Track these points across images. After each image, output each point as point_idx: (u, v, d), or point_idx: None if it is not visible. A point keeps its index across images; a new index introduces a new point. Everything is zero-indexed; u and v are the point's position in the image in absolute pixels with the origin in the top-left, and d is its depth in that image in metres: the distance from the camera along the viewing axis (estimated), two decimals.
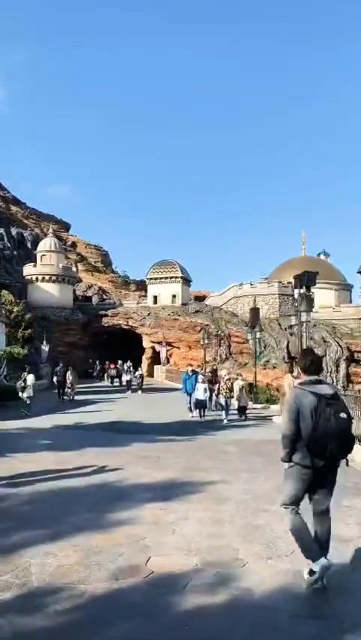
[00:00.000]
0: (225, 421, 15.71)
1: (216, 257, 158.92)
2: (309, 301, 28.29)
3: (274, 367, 39.10)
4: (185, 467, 8.72)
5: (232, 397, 16.24)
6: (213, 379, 19.42)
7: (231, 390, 16.29)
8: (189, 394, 17.27)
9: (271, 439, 11.51)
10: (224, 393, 16.19)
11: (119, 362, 42.14)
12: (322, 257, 65.26)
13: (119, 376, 39.20)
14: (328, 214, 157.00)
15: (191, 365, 19.42)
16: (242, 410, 16.52)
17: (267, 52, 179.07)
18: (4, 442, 11.52)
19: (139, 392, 28.30)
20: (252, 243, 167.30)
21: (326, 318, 46.66)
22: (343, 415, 3.77)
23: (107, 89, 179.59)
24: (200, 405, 16.29)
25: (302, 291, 28.39)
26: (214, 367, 23.14)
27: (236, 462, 9.22)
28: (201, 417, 16.18)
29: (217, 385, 17.44)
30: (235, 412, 17.05)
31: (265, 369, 39.63)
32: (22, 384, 19.11)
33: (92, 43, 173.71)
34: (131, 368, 32.99)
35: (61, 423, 15.55)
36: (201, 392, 16.05)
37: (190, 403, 17.41)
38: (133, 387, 29.28)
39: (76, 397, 24.87)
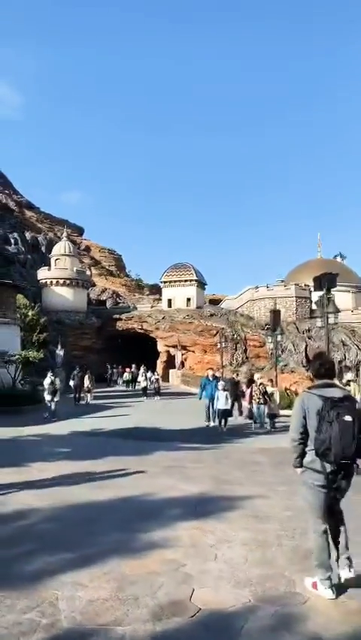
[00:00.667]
0: (255, 429, 14.70)
1: (231, 260, 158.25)
2: (331, 303, 27.59)
3: (293, 371, 38.28)
4: (215, 479, 8.11)
5: (266, 404, 15.05)
6: (237, 384, 18.58)
7: (265, 396, 15.13)
8: (209, 401, 15.97)
9: None
10: (257, 400, 14.93)
11: (133, 366, 41.83)
12: (338, 259, 64.35)
13: (133, 380, 38.90)
14: (343, 216, 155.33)
15: (211, 369, 18.47)
16: (272, 418, 15.11)
17: (283, 53, 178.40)
18: (22, 451, 11.03)
19: (156, 397, 27.08)
20: (266, 246, 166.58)
21: (344, 320, 45.72)
22: (347, 417, 3.64)
23: (117, 94, 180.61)
24: (222, 414, 14.67)
25: (322, 293, 27.60)
26: (252, 372, 21.85)
27: (269, 473, 8.58)
28: (222, 427, 14.62)
29: (249, 390, 16.08)
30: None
31: (283, 373, 38.81)
32: (54, 385, 18.65)
33: (101, 47, 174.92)
34: (147, 373, 32.12)
35: (78, 429, 15.05)
36: (223, 400, 14.53)
37: (209, 411, 16.09)
38: (149, 392, 28.21)
39: (92, 402, 24.41)
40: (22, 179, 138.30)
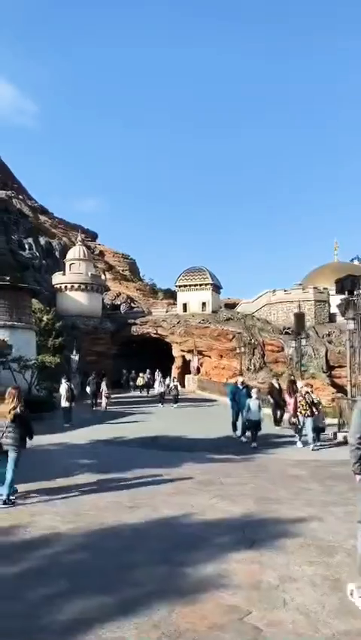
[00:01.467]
0: (298, 444, 12.79)
1: (245, 264, 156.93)
2: (354, 307, 26.58)
3: (313, 377, 37.18)
4: (258, 497, 7.28)
5: (313, 416, 12.91)
6: (274, 391, 17.34)
7: (313, 406, 13.02)
8: (238, 411, 14.37)
9: (343, 459, 9.97)
10: (302, 411, 12.76)
11: (147, 371, 41.31)
12: (355, 262, 63.05)
13: (147, 386, 38.41)
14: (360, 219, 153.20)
15: (240, 375, 17.40)
16: (318, 432, 12.81)
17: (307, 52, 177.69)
18: (42, 463, 10.28)
19: (174, 405, 25.40)
20: (281, 250, 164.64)
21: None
22: None
23: (130, 100, 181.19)
24: (254, 426, 12.92)
25: (345, 295, 26.53)
26: (291, 378, 19.76)
27: (317, 491, 7.73)
28: (253, 441, 12.76)
29: (293, 400, 14.09)
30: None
31: (302, 379, 37.79)
32: (73, 392, 18.13)
33: (113, 53, 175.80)
34: (164, 378, 30.66)
35: (99, 437, 14.28)
36: (255, 410, 12.92)
37: (236, 422, 14.51)
38: (167, 398, 26.92)
39: (110, 409, 23.69)
40: (37, 186, 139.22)
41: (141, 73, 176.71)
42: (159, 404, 25.90)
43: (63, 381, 19.41)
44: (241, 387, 15.07)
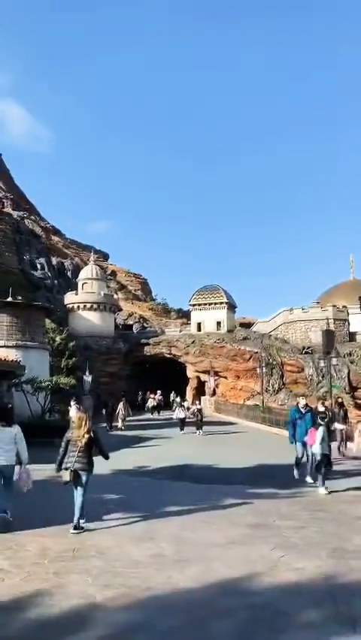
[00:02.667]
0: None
1: (259, 283, 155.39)
2: None
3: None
4: (331, 548, 5.96)
5: None
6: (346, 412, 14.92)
7: None
8: (303, 444, 11.23)
9: None
10: None
11: (158, 392, 40.19)
12: None
13: (158, 407, 37.45)
14: None
15: (303, 396, 14.43)
16: None
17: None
18: (61, 499, 8.99)
19: (198, 432, 21.93)
20: (295, 269, 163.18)
21: None
22: None
23: (142, 122, 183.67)
24: (321, 462, 9.75)
25: None
26: (339, 400, 17.73)
27: None
28: (323, 483, 9.72)
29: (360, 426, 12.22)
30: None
31: (325, 400, 36.21)
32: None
33: (128, 77, 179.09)
34: (181, 399, 27.43)
35: (120, 466, 12.94)
36: (319, 440, 9.70)
37: (301, 458, 11.46)
38: (189, 420, 23.41)
39: (126, 433, 22.39)
40: (50, 209, 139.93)
41: (153, 95, 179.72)
42: (180, 430, 22.91)
43: (72, 404, 18.45)
44: (303, 410, 11.99)
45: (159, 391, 40.44)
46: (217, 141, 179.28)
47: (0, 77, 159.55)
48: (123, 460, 14.37)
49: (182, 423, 23.27)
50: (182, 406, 24.86)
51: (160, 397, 40.19)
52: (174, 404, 27.83)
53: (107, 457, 7.97)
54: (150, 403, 37.78)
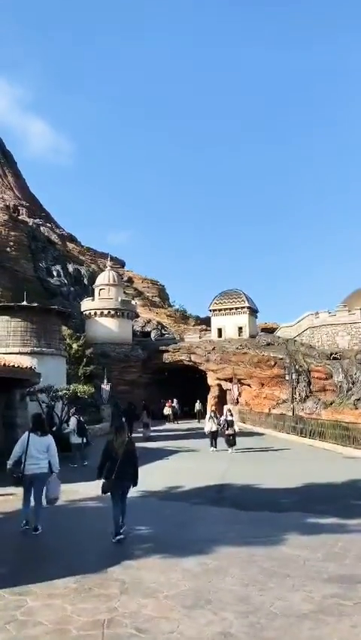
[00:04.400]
0: None
1: (280, 287, 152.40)
2: None
3: None
4: None
5: None
6: None
7: None
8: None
9: None
10: None
11: (175, 400, 39.26)
12: None
13: (174, 415, 36.79)
14: None
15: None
16: None
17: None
18: (81, 532, 7.39)
19: (230, 451, 18.12)
20: (316, 273, 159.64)
21: None
22: None
23: (159, 128, 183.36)
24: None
25: None
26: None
27: None
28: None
29: None
30: None
31: (356, 408, 34.11)
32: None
33: (148, 86, 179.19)
34: (217, 413, 21.16)
35: (148, 487, 11.22)
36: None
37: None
38: (224, 431, 19.01)
39: (148, 444, 20.73)
40: (67, 219, 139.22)
41: (168, 106, 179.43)
42: (211, 447, 19.06)
43: (71, 414, 17.41)
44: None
45: (175, 399, 39.75)
46: (234, 141, 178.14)
47: (20, 92, 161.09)
48: (150, 478, 12.65)
49: (213, 438, 19.29)
50: (215, 417, 20.04)
51: (176, 406, 39.48)
52: (208, 414, 22.29)
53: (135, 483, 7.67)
54: (166, 411, 37.02)
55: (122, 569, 5.86)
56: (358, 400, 35.11)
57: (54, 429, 17.11)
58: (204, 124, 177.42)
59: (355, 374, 36.92)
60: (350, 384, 36.67)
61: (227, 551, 6.40)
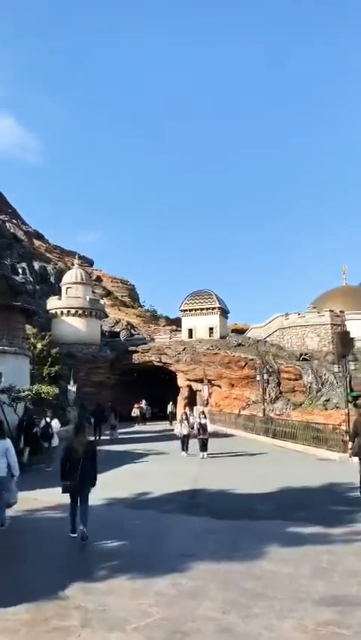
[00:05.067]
0: None
1: (250, 289, 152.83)
2: None
3: (337, 407, 33.48)
4: None
5: None
6: None
7: None
8: None
9: None
10: None
11: (143, 401, 38.73)
12: None
13: (142, 417, 36.48)
14: None
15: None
16: None
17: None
18: (38, 549, 6.58)
19: (202, 455, 17.06)
20: (286, 275, 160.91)
21: None
22: None
23: (129, 131, 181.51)
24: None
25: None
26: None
27: None
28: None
29: None
30: None
31: (325, 409, 34.15)
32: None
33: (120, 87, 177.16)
34: (189, 416, 19.61)
35: (115, 494, 10.46)
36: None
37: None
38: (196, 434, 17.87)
39: (115, 447, 19.90)
40: (35, 217, 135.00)
41: (142, 106, 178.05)
42: (182, 451, 17.87)
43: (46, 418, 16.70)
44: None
45: (144, 400, 39.28)
46: (209, 144, 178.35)
47: None
48: (117, 483, 11.91)
49: (185, 441, 18.00)
50: (187, 419, 18.66)
51: (145, 407, 39.06)
52: (179, 416, 20.79)
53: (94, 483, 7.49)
54: (134, 412, 36.49)
55: (84, 593, 5.11)
56: (327, 400, 35.17)
57: (35, 430, 16.25)
58: (174, 125, 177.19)
59: (324, 375, 37.02)
60: (320, 385, 36.74)
61: (204, 568, 5.73)
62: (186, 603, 4.76)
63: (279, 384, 38.74)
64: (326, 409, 33.91)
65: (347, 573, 5.44)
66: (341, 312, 43.54)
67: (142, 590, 5.15)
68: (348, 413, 20.23)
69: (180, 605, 4.72)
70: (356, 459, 16.87)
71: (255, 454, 18.04)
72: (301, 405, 36.35)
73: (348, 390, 20.92)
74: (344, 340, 19.45)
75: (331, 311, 42.95)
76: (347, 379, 20.70)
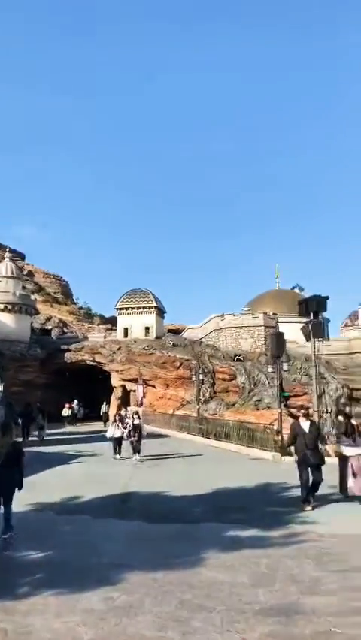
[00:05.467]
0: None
1: (186, 290, 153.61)
2: (321, 329, 24.06)
3: (269, 407, 34.27)
4: None
5: None
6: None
7: None
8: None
9: None
10: None
11: (75, 401, 37.86)
12: (296, 290, 62.60)
13: (74, 417, 35.88)
14: (300, 247, 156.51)
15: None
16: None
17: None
18: None
19: (135, 458, 16.22)
20: (223, 276, 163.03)
21: (308, 353, 42.91)
22: None
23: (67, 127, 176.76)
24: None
25: (303, 320, 23.91)
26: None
27: None
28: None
29: None
30: None
31: (257, 409, 34.82)
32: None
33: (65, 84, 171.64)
34: (122, 417, 18.65)
35: (43, 498, 9.76)
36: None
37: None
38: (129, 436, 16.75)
39: (46, 450, 18.96)
40: None
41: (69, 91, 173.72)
42: (114, 454, 16.94)
43: None
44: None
45: (75, 400, 38.33)
46: (144, 143, 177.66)
47: None
48: (45, 487, 11.16)
49: (117, 444, 17.06)
50: (120, 421, 17.81)
51: (76, 407, 38.16)
52: (111, 417, 19.85)
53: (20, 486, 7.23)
54: (65, 412, 35.36)
55: (3, 613, 4.52)
56: (259, 400, 35.89)
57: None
58: (122, 119, 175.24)
59: (257, 375, 37.77)
60: (252, 386, 37.45)
61: (138, 579, 5.30)
62: (118, 620, 4.32)
63: (213, 384, 39.06)
64: (258, 409, 34.57)
65: (287, 579, 5.23)
66: (274, 314, 44.76)
67: (69, 606, 4.65)
68: (280, 413, 20.60)
69: (111, 623, 4.27)
70: (287, 458, 17.21)
71: (189, 455, 17.85)
72: (234, 405, 36.83)
73: (279, 391, 21.26)
74: (278, 341, 19.77)
75: (265, 313, 44.04)
76: (280, 380, 21.06)
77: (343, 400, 35.38)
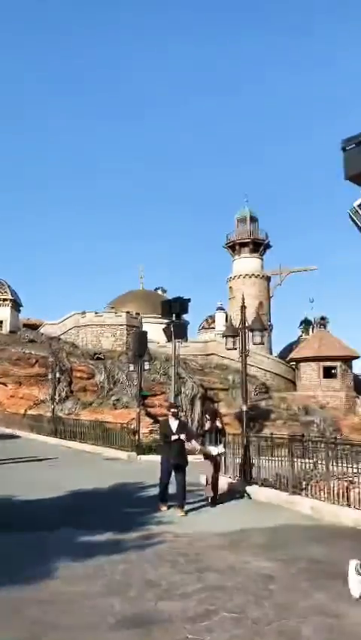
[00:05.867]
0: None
1: (46, 283, 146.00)
2: (183, 330, 25.03)
3: (127, 407, 34.40)
4: None
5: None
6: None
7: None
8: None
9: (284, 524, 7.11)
10: None
11: None
12: (159, 292, 64.23)
13: None
14: (162, 248, 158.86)
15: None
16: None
17: None
18: None
19: None
20: (87, 272, 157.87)
21: (170, 353, 44.29)
22: None
23: None
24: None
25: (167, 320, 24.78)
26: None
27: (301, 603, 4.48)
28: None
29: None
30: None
31: (115, 408, 34.71)
32: None
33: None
34: None
35: None
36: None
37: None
38: None
39: None
40: None
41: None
42: None
43: None
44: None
45: None
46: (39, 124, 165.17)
47: None
48: None
49: None
50: None
51: None
52: None
53: None
54: None
55: None
56: (117, 400, 35.81)
57: None
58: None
59: (117, 374, 37.67)
60: (112, 385, 37.25)
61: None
62: None
63: (71, 383, 37.93)
64: (116, 409, 34.47)
65: (143, 584, 5.09)
66: (137, 314, 45.14)
67: None
68: (139, 413, 20.77)
69: None
70: (143, 457, 17.37)
71: (42, 457, 16.96)
72: (91, 404, 36.21)
73: (139, 390, 21.47)
74: (141, 340, 19.89)
75: (128, 312, 44.18)
76: (141, 379, 21.24)
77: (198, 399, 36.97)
